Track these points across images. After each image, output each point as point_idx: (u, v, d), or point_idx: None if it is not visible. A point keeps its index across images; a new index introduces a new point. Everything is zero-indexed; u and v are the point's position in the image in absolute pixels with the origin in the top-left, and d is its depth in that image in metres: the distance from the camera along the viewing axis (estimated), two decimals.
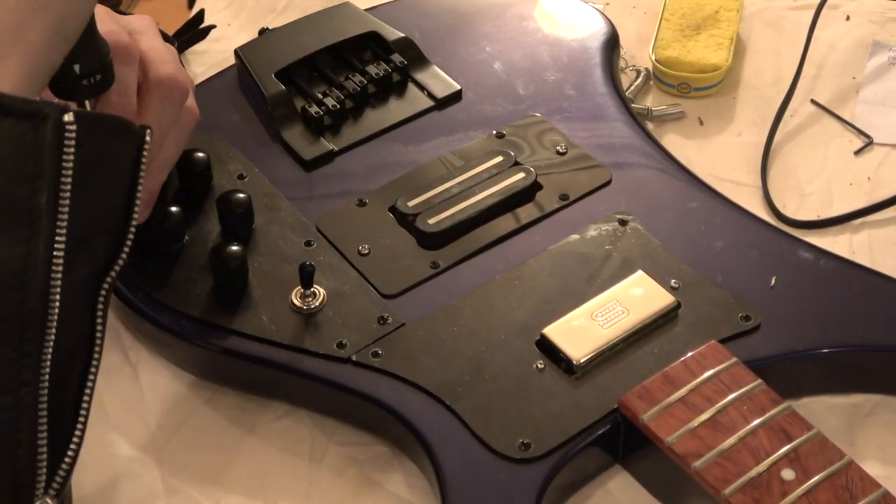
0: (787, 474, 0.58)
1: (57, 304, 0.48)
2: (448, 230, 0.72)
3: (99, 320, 0.52)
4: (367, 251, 0.71)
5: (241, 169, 0.77)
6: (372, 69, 0.82)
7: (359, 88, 0.81)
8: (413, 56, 0.83)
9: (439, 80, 0.83)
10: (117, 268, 0.51)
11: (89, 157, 0.48)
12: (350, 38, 0.84)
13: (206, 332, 0.68)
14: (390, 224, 0.73)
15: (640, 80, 0.89)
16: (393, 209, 0.74)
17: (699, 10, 0.91)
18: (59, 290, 0.48)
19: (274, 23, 0.89)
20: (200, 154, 0.75)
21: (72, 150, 0.48)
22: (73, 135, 0.48)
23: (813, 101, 0.87)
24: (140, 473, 0.67)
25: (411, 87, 0.83)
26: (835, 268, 0.70)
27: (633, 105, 0.84)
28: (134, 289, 0.70)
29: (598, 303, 0.67)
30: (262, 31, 0.85)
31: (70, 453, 0.50)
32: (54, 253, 0.48)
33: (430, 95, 0.82)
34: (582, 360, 0.65)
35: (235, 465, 0.67)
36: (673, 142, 0.85)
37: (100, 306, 0.51)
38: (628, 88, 0.88)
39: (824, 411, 0.68)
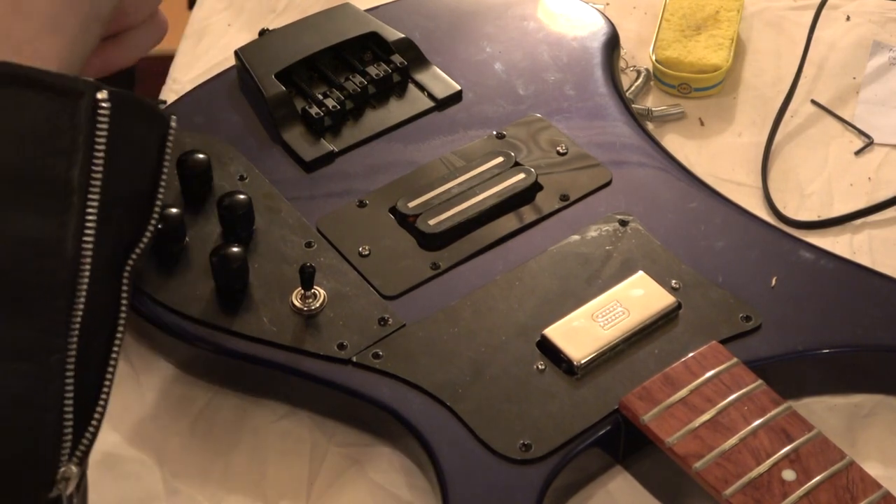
0: (788, 475, 0.58)
1: (87, 275, 0.49)
2: (448, 231, 0.72)
3: (124, 295, 0.53)
4: (367, 252, 0.71)
5: (241, 170, 0.77)
6: (372, 70, 0.82)
7: (359, 89, 0.81)
8: (413, 57, 0.83)
9: (439, 80, 0.83)
10: (143, 244, 0.53)
11: (120, 135, 0.50)
12: (350, 39, 0.84)
13: (206, 334, 0.68)
14: (391, 225, 0.73)
15: (640, 80, 0.89)
16: (393, 210, 0.74)
17: (699, 11, 0.91)
18: (89, 262, 0.49)
19: (274, 24, 0.89)
20: (201, 155, 0.75)
21: (105, 126, 0.49)
22: (107, 112, 0.49)
23: (813, 102, 0.87)
24: (141, 474, 0.67)
25: (411, 87, 0.83)
26: (835, 268, 0.70)
27: (633, 105, 0.84)
28: (134, 290, 0.70)
29: (599, 303, 0.67)
30: (263, 32, 0.85)
31: (94, 422, 0.51)
32: (86, 226, 0.49)
33: (431, 96, 0.82)
34: (582, 361, 0.65)
35: (236, 466, 0.67)
36: (673, 142, 0.85)
37: (125, 281, 0.53)
38: (628, 89, 0.88)
39: (825, 411, 0.68)
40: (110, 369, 0.52)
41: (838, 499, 0.57)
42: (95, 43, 0.54)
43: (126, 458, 0.68)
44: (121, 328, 0.53)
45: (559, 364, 0.65)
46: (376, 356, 0.66)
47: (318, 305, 0.68)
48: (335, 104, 0.80)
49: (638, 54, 0.91)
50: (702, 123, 0.87)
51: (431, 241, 0.72)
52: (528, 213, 0.74)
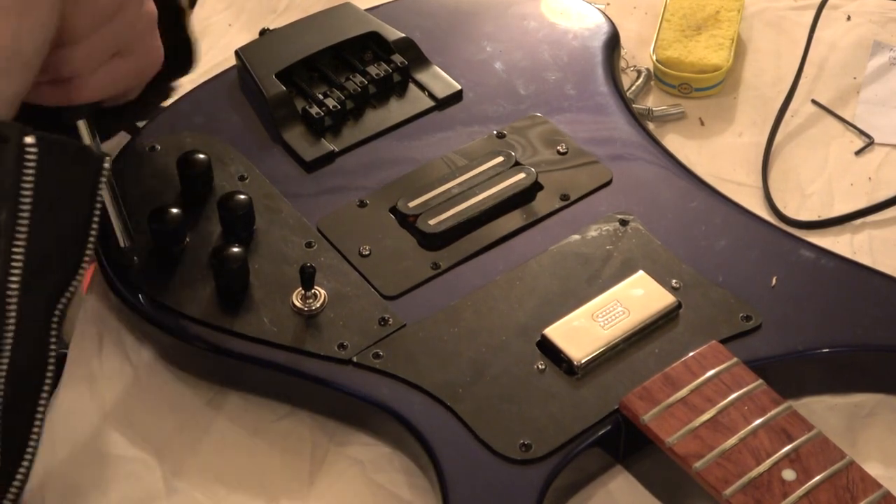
0: (788, 475, 0.58)
1: (13, 324, 0.48)
2: (449, 231, 0.72)
3: (53, 341, 0.51)
4: (367, 252, 0.72)
5: (241, 170, 0.77)
6: (372, 69, 0.82)
7: (359, 89, 0.81)
8: (414, 56, 0.83)
9: (440, 80, 0.83)
10: (72, 287, 0.51)
11: (48, 179, 0.48)
12: (351, 39, 0.84)
13: (206, 334, 0.68)
14: (391, 225, 0.73)
15: (640, 80, 0.89)
16: (394, 210, 0.74)
17: (700, 11, 0.91)
18: (15, 309, 0.48)
19: (274, 23, 0.89)
20: (201, 156, 0.75)
21: (31, 171, 0.47)
22: (34, 157, 0.47)
23: (814, 102, 0.87)
24: (141, 474, 0.67)
25: (412, 87, 0.83)
26: (836, 268, 0.70)
27: (633, 105, 0.84)
28: (135, 290, 0.70)
29: (599, 303, 0.67)
30: (263, 32, 0.85)
31: (23, 467, 0.50)
32: (11, 272, 0.47)
33: (431, 95, 0.82)
34: (583, 361, 0.65)
35: (236, 466, 0.67)
36: (674, 142, 0.85)
37: (53, 326, 0.51)
38: (629, 89, 0.88)
39: (825, 411, 0.68)
40: (39, 414, 0.51)
41: (838, 498, 0.57)
42: (24, 88, 0.51)
43: (126, 458, 0.68)
44: (49, 373, 0.51)
45: (559, 364, 0.65)
46: (377, 356, 0.66)
47: (318, 306, 0.68)
48: (335, 104, 0.80)
49: (638, 54, 0.91)
50: (702, 123, 0.87)
51: (432, 241, 0.72)
52: (528, 213, 0.74)
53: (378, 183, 0.76)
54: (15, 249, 0.48)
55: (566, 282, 0.69)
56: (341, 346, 0.67)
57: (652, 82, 0.89)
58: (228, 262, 0.69)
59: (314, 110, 0.79)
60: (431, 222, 0.72)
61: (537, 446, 0.62)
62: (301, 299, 0.68)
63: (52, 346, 0.51)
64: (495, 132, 0.79)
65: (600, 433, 0.63)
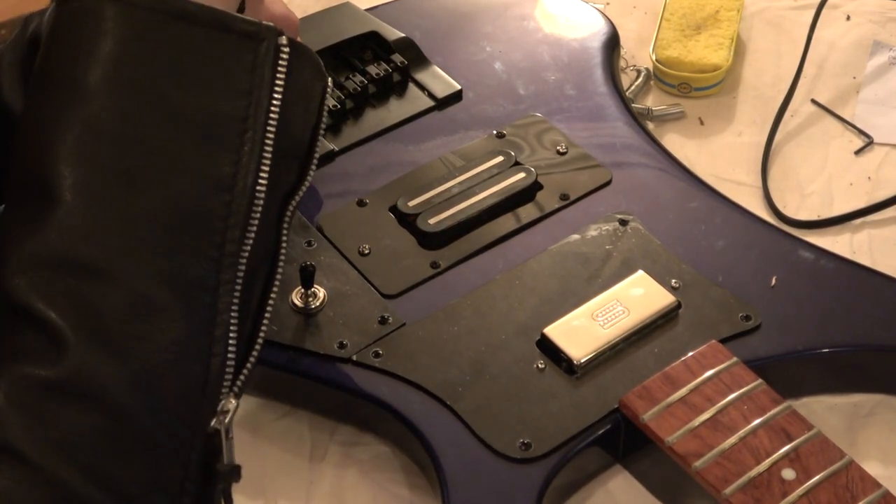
0: (788, 474, 0.58)
1: (260, 209, 0.51)
2: (448, 230, 0.72)
3: (284, 240, 0.55)
4: (367, 251, 0.72)
5: None
6: (372, 69, 0.82)
7: (359, 88, 0.81)
8: (413, 56, 0.83)
9: (440, 80, 0.83)
10: (301, 192, 0.55)
11: (293, 81, 0.52)
12: (350, 39, 0.84)
13: None
14: (391, 224, 0.73)
15: (640, 80, 0.89)
16: (393, 209, 0.74)
17: (699, 10, 0.91)
18: (262, 197, 0.51)
19: None
20: None
21: (283, 70, 0.51)
22: (286, 57, 0.51)
23: (813, 101, 0.87)
24: None
25: (412, 87, 0.83)
26: (835, 268, 0.70)
27: (633, 105, 0.84)
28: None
29: (599, 302, 0.67)
30: None
31: (252, 359, 0.53)
32: (262, 162, 0.51)
33: (431, 95, 0.82)
34: (582, 360, 0.65)
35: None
36: (673, 142, 0.85)
37: (285, 226, 0.55)
38: (629, 88, 0.88)
39: (824, 411, 0.68)
40: (268, 309, 0.54)
41: (838, 498, 0.57)
42: None
43: None
44: (279, 272, 0.54)
45: (559, 363, 0.65)
46: (376, 355, 0.66)
47: (318, 304, 0.68)
48: (335, 103, 0.80)
49: (638, 54, 0.91)
50: (702, 123, 0.87)
51: (431, 240, 0.72)
52: (528, 213, 0.74)
53: (378, 182, 0.76)
54: (266, 142, 0.51)
55: (566, 281, 0.69)
56: (341, 344, 0.67)
57: (651, 82, 0.89)
58: None
59: None
60: (431, 221, 0.72)
61: (537, 445, 0.62)
62: (301, 298, 0.68)
63: (283, 248, 0.55)
64: (495, 132, 0.79)
65: (600, 432, 0.63)
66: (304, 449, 0.68)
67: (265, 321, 0.54)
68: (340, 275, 0.70)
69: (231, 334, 0.51)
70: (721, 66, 0.87)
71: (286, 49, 0.52)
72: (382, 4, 0.90)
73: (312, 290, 0.69)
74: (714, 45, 0.88)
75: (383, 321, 0.68)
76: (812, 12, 0.91)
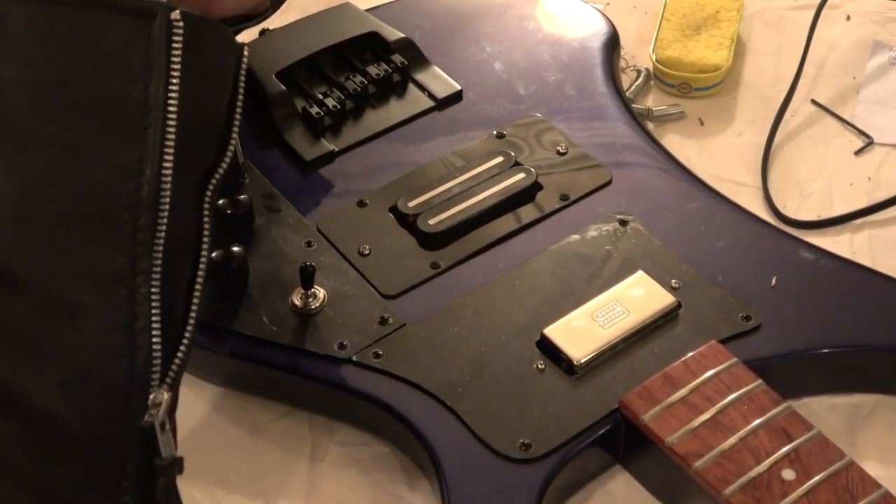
0: (788, 474, 0.58)
1: (168, 192, 0.50)
2: (448, 230, 0.72)
3: (206, 224, 0.53)
4: (367, 252, 0.72)
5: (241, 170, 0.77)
6: (372, 69, 0.82)
7: (359, 89, 0.81)
8: (413, 56, 0.83)
9: (440, 80, 0.83)
10: (221, 170, 0.54)
11: (194, 56, 0.51)
12: (350, 39, 0.84)
13: (206, 333, 0.68)
14: (391, 224, 0.73)
15: (640, 80, 0.89)
16: (393, 209, 0.74)
17: (699, 11, 0.91)
18: (170, 179, 0.50)
19: (274, 23, 0.89)
20: None
21: (179, 45, 0.50)
22: (181, 31, 0.50)
23: (813, 101, 0.87)
24: None
25: (412, 87, 0.83)
26: (835, 268, 0.70)
27: (633, 105, 0.84)
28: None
29: (599, 303, 0.67)
30: (263, 32, 0.85)
31: (182, 348, 0.52)
32: (165, 143, 0.50)
33: (431, 96, 0.82)
34: (582, 361, 0.65)
35: (236, 465, 0.67)
36: (673, 142, 0.85)
37: (206, 207, 0.53)
38: (629, 88, 0.88)
39: (825, 411, 0.68)
40: (196, 297, 0.53)
41: (838, 498, 0.57)
42: None
43: None
44: (203, 258, 0.53)
45: (559, 363, 0.65)
46: (376, 355, 0.66)
47: (318, 305, 0.68)
48: (335, 104, 0.80)
49: (638, 54, 0.91)
50: (702, 123, 0.87)
51: (431, 241, 0.72)
52: (528, 213, 0.74)
53: (378, 182, 0.76)
54: (168, 122, 0.50)
55: (566, 281, 0.69)
56: (341, 345, 0.67)
57: (651, 82, 0.89)
58: (228, 261, 0.69)
59: (314, 110, 0.79)
60: (431, 222, 0.72)
61: (537, 445, 0.62)
62: (301, 298, 0.68)
63: (206, 233, 0.53)
64: (495, 132, 0.79)
65: (600, 433, 0.63)
66: (304, 449, 0.68)
67: (194, 306, 0.53)
68: (340, 275, 0.70)
69: (154, 325, 0.50)
70: (721, 67, 0.87)
71: (178, 23, 0.50)
72: (382, 4, 0.90)
73: (312, 290, 0.69)
74: (714, 45, 0.88)
75: (383, 322, 0.68)
76: (812, 12, 0.91)
